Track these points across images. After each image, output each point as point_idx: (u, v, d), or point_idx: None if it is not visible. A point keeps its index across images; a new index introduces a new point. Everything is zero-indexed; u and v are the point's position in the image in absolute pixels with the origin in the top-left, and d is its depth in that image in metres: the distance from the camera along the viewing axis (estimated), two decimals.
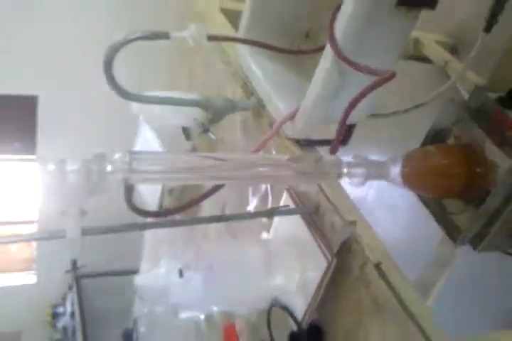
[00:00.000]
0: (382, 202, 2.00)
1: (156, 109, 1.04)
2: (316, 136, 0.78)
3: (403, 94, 1.31)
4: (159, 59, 1.43)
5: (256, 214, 0.66)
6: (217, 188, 0.66)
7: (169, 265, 0.88)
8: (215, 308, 0.94)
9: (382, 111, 0.98)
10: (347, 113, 0.61)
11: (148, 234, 1.59)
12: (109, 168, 0.51)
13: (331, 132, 0.73)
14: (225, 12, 1.18)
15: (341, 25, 0.62)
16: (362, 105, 0.65)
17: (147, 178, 0.53)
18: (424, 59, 1.39)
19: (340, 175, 0.58)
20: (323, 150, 0.81)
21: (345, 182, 0.60)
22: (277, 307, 0.71)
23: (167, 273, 0.89)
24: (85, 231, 0.53)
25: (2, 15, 2.04)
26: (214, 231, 0.99)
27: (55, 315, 3.80)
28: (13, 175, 2.85)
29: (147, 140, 1.20)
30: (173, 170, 0.54)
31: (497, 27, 0.89)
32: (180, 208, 0.65)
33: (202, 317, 1.14)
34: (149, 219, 0.80)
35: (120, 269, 3.03)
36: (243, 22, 0.86)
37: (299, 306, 0.67)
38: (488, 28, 0.89)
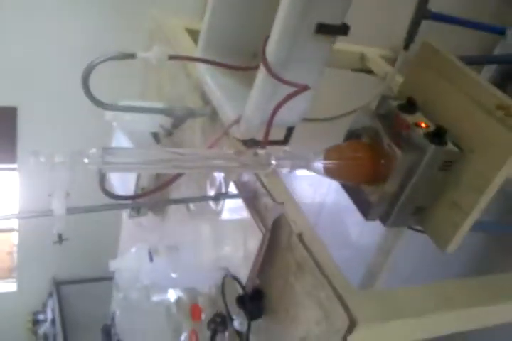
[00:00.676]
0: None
1: (127, 116, 1.19)
2: (259, 137, 0.94)
3: (351, 101, 1.48)
4: (133, 73, 1.59)
5: (206, 198, 0.83)
6: (176, 177, 0.81)
7: (139, 249, 1.03)
8: (182, 287, 1.09)
9: (323, 116, 1.16)
10: (271, 117, 0.77)
11: (124, 231, 1.73)
12: (86, 160, 0.66)
13: (272, 134, 0.89)
14: (190, 32, 1.35)
15: (270, 47, 0.79)
16: (290, 111, 0.81)
17: (118, 168, 0.68)
18: (369, 71, 1.57)
19: (270, 165, 0.74)
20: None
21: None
22: (228, 277, 0.87)
23: (138, 257, 1.04)
24: (69, 210, 0.68)
25: None
26: (178, 216, 1.14)
27: (36, 322, 3.83)
28: None
29: (122, 144, 1.35)
30: (140, 162, 0.69)
31: (413, 45, 1.07)
32: (146, 193, 0.80)
33: (172, 300, 1.29)
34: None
35: (99, 275, 3.12)
36: (200, 43, 1.02)
37: (244, 274, 0.83)
38: (406, 47, 1.07)
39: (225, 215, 0.88)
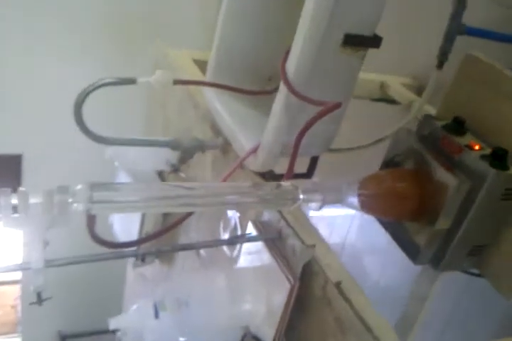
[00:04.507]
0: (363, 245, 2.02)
1: (130, 153, 1.07)
2: (279, 170, 0.81)
3: (371, 133, 1.36)
4: (136, 109, 1.49)
5: (220, 242, 0.68)
6: (185, 217, 0.68)
7: (143, 306, 0.89)
8: None
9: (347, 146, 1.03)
10: (297, 141, 0.64)
11: (128, 282, 1.58)
12: (70, 199, 0.53)
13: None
14: (197, 62, 1.25)
15: (292, 63, 0.68)
16: (315, 137, 0.69)
17: (110, 208, 0.55)
18: (390, 101, 1.46)
19: (297, 200, 0.61)
20: None
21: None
22: (248, 338, 0.72)
23: (141, 314, 0.89)
24: (49, 263, 0.55)
25: None
26: (187, 265, 1.00)
27: None
28: None
29: None
30: (137, 200, 0.57)
31: (447, 64, 0.95)
32: (149, 238, 0.67)
33: None
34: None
35: (106, 328, 2.97)
36: (209, 67, 0.91)
37: (268, 333, 0.68)
38: (440, 65, 0.96)
39: (243, 262, 0.74)
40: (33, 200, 0.52)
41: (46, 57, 2.10)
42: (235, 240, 0.69)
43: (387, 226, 0.73)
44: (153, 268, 1.24)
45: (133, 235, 1.28)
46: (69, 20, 1.95)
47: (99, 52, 1.99)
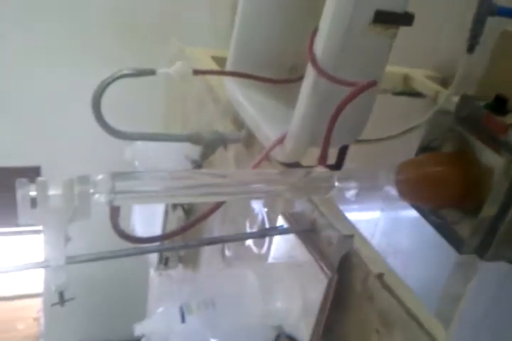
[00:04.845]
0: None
1: (149, 153, 1.04)
2: (306, 162, 0.77)
3: (397, 127, 1.32)
4: (155, 105, 1.46)
5: (249, 235, 0.64)
6: (213, 209, 0.64)
7: (168, 309, 0.85)
8: None
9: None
10: (331, 124, 0.60)
11: (151, 288, 1.55)
12: (91, 190, 0.50)
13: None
14: (215, 59, 1.21)
15: (319, 44, 0.64)
16: (346, 124, 0.65)
17: (134, 198, 0.52)
18: (414, 94, 1.41)
19: (331, 188, 0.57)
20: None
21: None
22: (283, 338, 0.67)
23: (166, 318, 0.85)
24: (70, 260, 0.51)
25: None
26: (212, 266, 0.96)
27: None
28: (16, 248, 2.81)
29: None
30: (163, 189, 0.53)
31: (478, 47, 0.91)
32: (172, 234, 0.63)
33: None
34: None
35: (130, 338, 2.94)
36: (229, 58, 0.88)
37: (304, 332, 0.63)
38: (470, 49, 0.91)
39: (274, 257, 0.69)
40: (52, 192, 0.49)
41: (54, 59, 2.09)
42: (265, 232, 0.64)
43: (427, 215, 0.68)
44: (177, 273, 1.20)
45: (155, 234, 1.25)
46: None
47: (114, 56, 1.98)
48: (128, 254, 0.55)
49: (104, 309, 2.94)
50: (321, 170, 0.57)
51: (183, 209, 1.16)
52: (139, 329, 0.91)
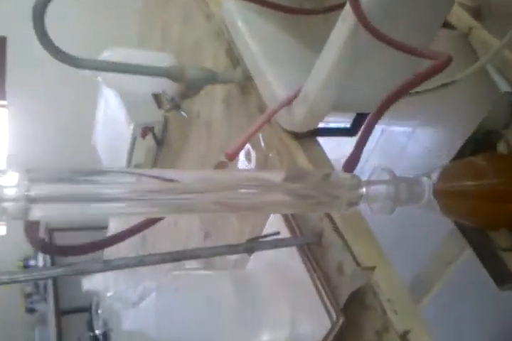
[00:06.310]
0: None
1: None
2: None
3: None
4: (128, 11, 1.21)
5: (228, 250, 0.45)
6: (152, 222, 0.45)
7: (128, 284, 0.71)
8: None
9: None
10: (381, 109, 0.41)
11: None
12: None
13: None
14: None
15: None
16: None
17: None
18: (446, 24, 1.20)
19: (357, 200, 0.40)
20: (328, 142, 0.62)
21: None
22: None
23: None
24: None
25: None
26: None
27: (27, 268, 3.73)
28: None
29: (111, 108, 0.99)
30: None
31: None
32: (113, 240, 0.44)
33: None
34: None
35: (93, 224, 2.92)
36: None
37: None
38: None
39: (259, 264, 0.52)
40: None
41: None
42: (250, 248, 0.45)
43: (468, 233, 0.53)
44: None
45: (120, 163, 1.08)
46: None
47: None
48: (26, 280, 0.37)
49: None
50: (343, 174, 0.40)
51: (155, 137, 0.98)
52: (86, 283, 0.79)
